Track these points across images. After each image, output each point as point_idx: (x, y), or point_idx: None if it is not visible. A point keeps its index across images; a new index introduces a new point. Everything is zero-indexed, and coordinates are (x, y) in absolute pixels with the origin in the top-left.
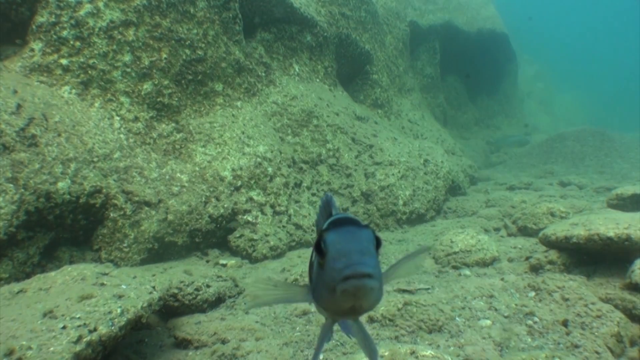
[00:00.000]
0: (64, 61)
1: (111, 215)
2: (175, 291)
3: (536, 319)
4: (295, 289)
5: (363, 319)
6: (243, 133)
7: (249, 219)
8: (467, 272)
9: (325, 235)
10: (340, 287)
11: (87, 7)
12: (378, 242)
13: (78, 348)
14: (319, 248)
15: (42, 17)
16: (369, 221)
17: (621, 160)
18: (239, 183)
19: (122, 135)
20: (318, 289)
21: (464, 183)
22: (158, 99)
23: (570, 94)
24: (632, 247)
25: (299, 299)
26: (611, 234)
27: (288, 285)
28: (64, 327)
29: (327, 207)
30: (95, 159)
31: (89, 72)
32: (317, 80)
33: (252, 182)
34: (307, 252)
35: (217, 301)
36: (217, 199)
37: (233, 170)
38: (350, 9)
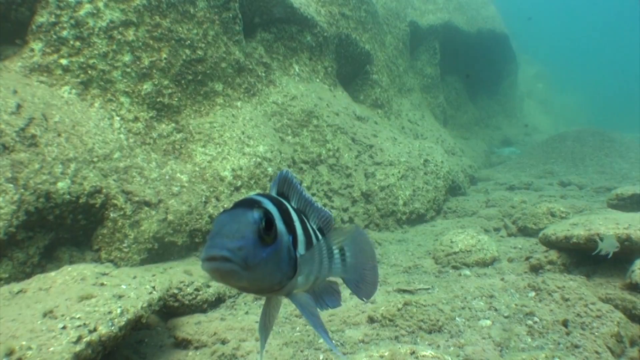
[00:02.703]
0: (64, 61)
1: (111, 215)
2: (175, 291)
3: (536, 319)
4: None
5: (363, 319)
6: (243, 133)
7: None
8: (467, 272)
9: (216, 216)
10: (202, 269)
11: (87, 7)
12: (268, 225)
13: (78, 348)
14: None
15: (42, 17)
16: (369, 221)
17: (621, 160)
18: (239, 183)
19: (122, 136)
20: None
21: (464, 183)
22: (158, 99)
23: (570, 94)
24: (632, 247)
25: None
26: (611, 234)
27: None
28: (63, 327)
29: (274, 186)
30: (95, 159)
31: (89, 72)
32: (317, 80)
33: (252, 182)
34: None
35: (217, 301)
36: (217, 199)
37: (233, 170)
38: (350, 9)
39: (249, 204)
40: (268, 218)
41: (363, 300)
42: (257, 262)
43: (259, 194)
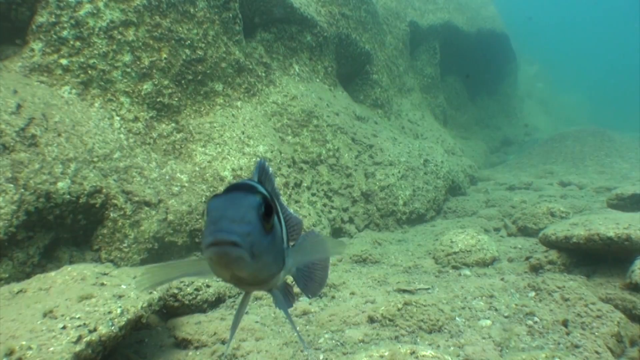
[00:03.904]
0: (64, 61)
1: (111, 215)
2: (175, 291)
3: (536, 319)
4: (191, 263)
5: (363, 319)
6: (243, 133)
7: None
8: (467, 272)
9: (210, 200)
10: (205, 254)
11: (87, 7)
12: (268, 211)
13: (78, 348)
14: (204, 214)
15: (42, 17)
16: (369, 221)
17: (621, 160)
18: None
19: (122, 135)
20: None
21: (464, 183)
22: (158, 99)
23: (570, 94)
24: (632, 247)
25: (197, 272)
26: (611, 234)
27: (183, 263)
28: (63, 327)
29: (256, 173)
30: (95, 159)
31: (89, 72)
32: (317, 80)
33: None
34: None
35: (217, 301)
36: None
37: (233, 170)
38: (350, 9)
39: (246, 188)
40: (268, 204)
41: (308, 297)
42: (261, 250)
43: (250, 180)
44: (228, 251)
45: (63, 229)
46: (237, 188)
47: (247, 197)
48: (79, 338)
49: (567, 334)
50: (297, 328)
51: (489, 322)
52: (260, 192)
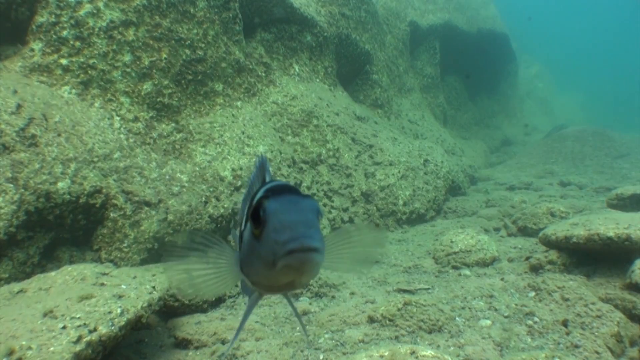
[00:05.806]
0: (64, 61)
1: (111, 215)
2: (176, 291)
3: (536, 319)
4: (223, 249)
5: (363, 319)
6: (243, 133)
7: None
8: (467, 272)
9: (266, 203)
10: (284, 261)
11: (87, 7)
12: (319, 213)
13: (78, 348)
14: (257, 217)
15: (42, 17)
16: (368, 221)
17: (621, 160)
18: (239, 183)
19: (122, 135)
20: (250, 261)
21: (464, 183)
22: (158, 99)
23: (570, 94)
24: (632, 247)
25: (224, 266)
26: (611, 234)
27: (214, 242)
28: (64, 327)
29: (261, 170)
30: (95, 159)
31: (89, 72)
32: (317, 80)
33: None
34: None
35: (217, 301)
36: (217, 199)
37: (233, 170)
38: (350, 9)
39: (293, 190)
40: (319, 206)
41: None
42: (324, 253)
43: (280, 181)
44: (312, 257)
45: (63, 229)
46: (287, 190)
47: (305, 200)
48: (79, 338)
49: (567, 333)
50: (303, 320)
51: (489, 322)
52: (307, 194)
